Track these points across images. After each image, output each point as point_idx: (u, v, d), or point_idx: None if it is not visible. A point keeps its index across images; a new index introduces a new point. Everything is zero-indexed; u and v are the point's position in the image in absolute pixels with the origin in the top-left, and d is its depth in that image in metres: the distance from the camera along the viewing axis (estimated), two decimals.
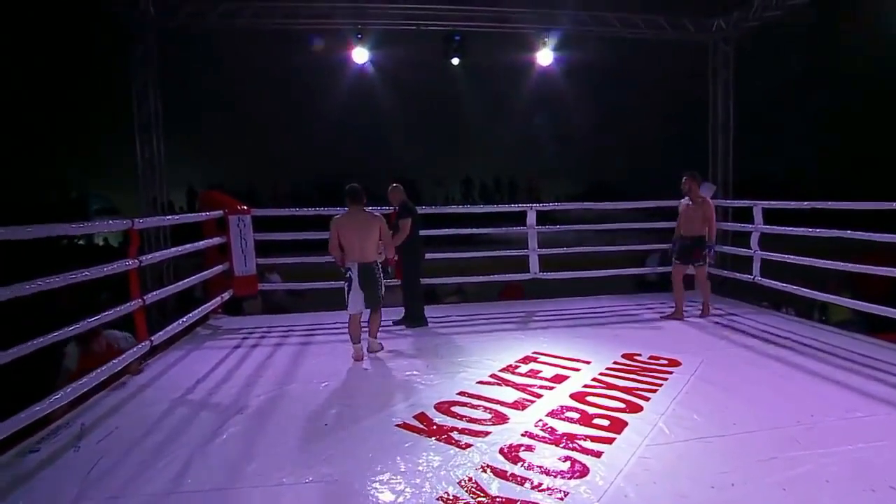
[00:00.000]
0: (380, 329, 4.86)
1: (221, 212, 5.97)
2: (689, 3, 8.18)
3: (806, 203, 5.47)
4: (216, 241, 5.91)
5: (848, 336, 5.03)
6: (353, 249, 4.50)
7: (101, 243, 13.92)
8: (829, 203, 5.28)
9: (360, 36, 7.41)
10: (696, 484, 2.57)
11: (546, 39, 7.73)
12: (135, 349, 4.20)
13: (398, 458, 2.88)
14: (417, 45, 8.37)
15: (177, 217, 6.28)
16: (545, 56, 7.94)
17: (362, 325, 4.70)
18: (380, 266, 4.63)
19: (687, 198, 5.64)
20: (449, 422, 3.30)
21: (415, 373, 4.22)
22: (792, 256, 5.72)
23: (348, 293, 4.57)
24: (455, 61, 7.90)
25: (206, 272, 5.77)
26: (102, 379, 3.70)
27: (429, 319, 5.69)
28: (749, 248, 6.08)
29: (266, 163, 15.74)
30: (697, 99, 8.86)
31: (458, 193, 17.20)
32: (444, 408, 3.50)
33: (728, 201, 7.70)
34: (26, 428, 3.04)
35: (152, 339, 4.43)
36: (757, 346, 4.82)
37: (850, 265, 5.21)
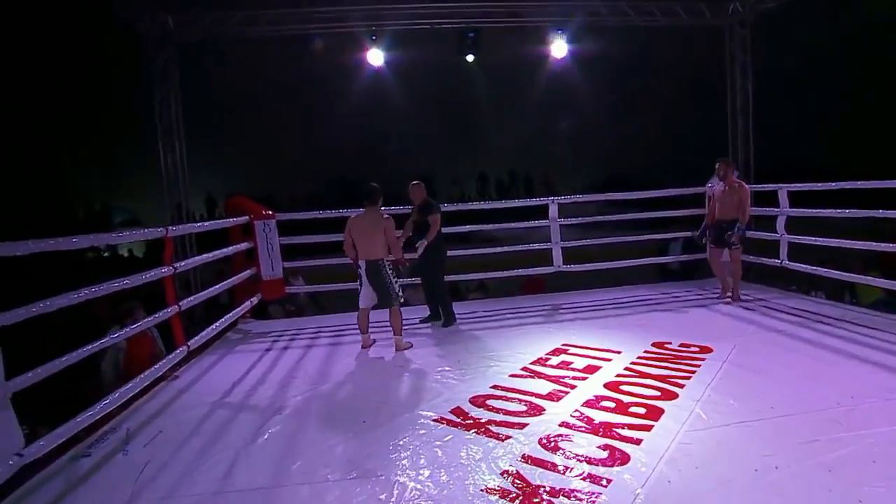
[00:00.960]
0: (405, 328, 4.94)
1: (247, 217, 6.07)
2: None
3: (834, 184, 5.40)
4: (243, 246, 6.02)
5: (881, 316, 4.95)
6: (361, 248, 4.78)
7: (125, 254, 14.22)
8: (857, 183, 5.21)
9: (374, 38, 7.47)
10: (739, 468, 2.57)
11: (559, 31, 7.71)
12: (173, 354, 4.31)
13: (439, 451, 2.93)
14: (432, 44, 8.41)
15: (207, 224, 6.38)
16: (559, 48, 7.93)
17: (386, 324, 4.93)
18: (386, 264, 4.73)
19: (720, 182, 5.68)
20: (485, 415, 3.34)
21: (446, 368, 4.26)
22: (820, 238, 5.63)
23: (359, 289, 4.93)
24: (470, 58, 7.93)
25: (234, 277, 5.87)
26: (146, 384, 3.81)
27: (455, 315, 5.72)
28: (775, 232, 6.01)
29: (284, 168, 15.94)
30: (714, 85, 8.77)
31: (474, 191, 17.24)
32: (480, 401, 3.54)
33: (752, 185, 7.60)
34: (76, 434, 3.15)
35: (189, 344, 4.54)
36: (788, 329, 4.78)
37: (879, 244, 5.13)
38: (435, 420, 3.33)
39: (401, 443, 3.06)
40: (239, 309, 5.78)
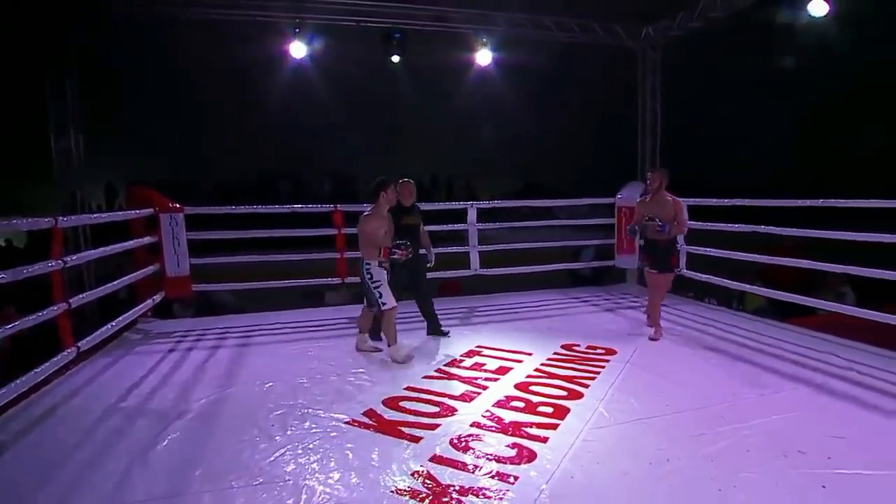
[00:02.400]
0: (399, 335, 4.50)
1: (152, 210, 5.70)
2: (623, 10, 8.58)
3: (727, 200, 5.93)
4: (147, 240, 5.64)
5: (762, 322, 5.50)
6: None
7: (2, 244, 12.86)
8: (746, 200, 5.79)
9: (297, 30, 7.26)
10: (636, 462, 2.76)
11: (485, 40, 7.88)
12: (59, 356, 3.95)
13: (350, 454, 2.91)
14: (357, 41, 8.31)
15: (104, 215, 5.92)
16: (484, 56, 8.10)
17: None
18: (367, 265, 4.38)
19: (648, 195, 4.99)
20: (398, 416, 3.35)
21: (361, 371, 4.23)
22: (712, 250, 6.17)
23: None
24: (395, 59, 7.91)
25: (136, 273, 5.49)
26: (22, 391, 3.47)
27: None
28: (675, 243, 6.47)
29: (199, 158, 15.08)
30: (629, 102, 9.32)
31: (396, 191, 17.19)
32: (393, 403, 3.55)
33: None
34: None
35: (79, 345, 4.19)
36: (685, 333, 5.17)
37: (762, 257, 5.73)
38: (347, 422, 3.30)
39: (311, 446, 3.01)
40: (139, 307, 5.41)
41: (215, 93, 14.42)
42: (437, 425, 3.21)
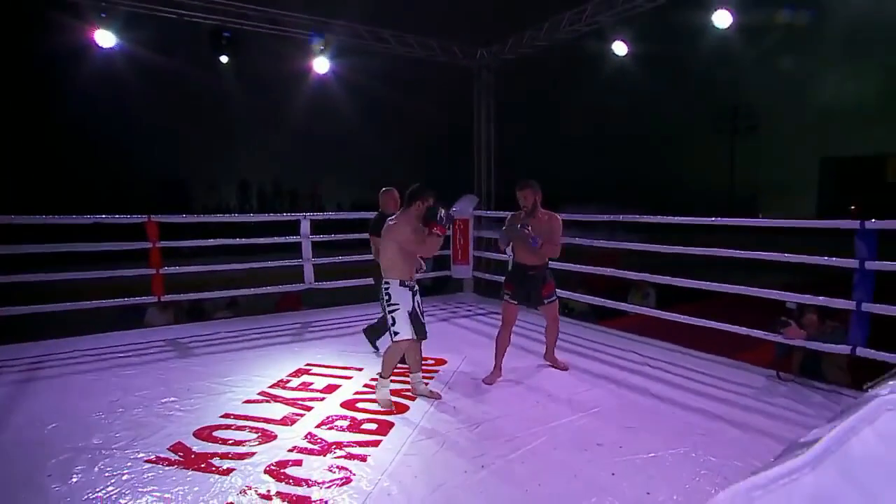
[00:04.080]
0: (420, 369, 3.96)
1: None
2: (462, 30, 9.01)
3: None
4: None
5: (583, 326, 6.07)
6: None
7: None
8: (566, 214, 6.35)
9: (104, 15, 6.45)
10: (452, 472, 2.83)
11: (321, 48, 7.73)
12: None
13: (146, 497, 2.59)
14: (181, 36, 7.66)
15: None
16: (321, 64, 7.94)
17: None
18: (385, 283, 3.72)
19: (521, 213, 4.22)
20: (210, 448, 3.08)
21: (172, 399, 3.83)
22: None
23: None
24: (224, 59, 7.41)
25: None
26: None
27: (191, 338, 5.25)
28: (505, 253, 6.89)
29: None
30: (467, 120, 9.79)
31: (234, 199, 16.16)
32: (205, 434, 3.25)
33: (489, 212, 8.65)
34: None
35: None
36: (513, 340, 5.48)
37: (582, 266, 6.32)
38: (149, 461, 2.95)
39: (98, 494, 2.63)
40: None
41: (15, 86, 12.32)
42: (253, 453, 3.01)
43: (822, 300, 4.20)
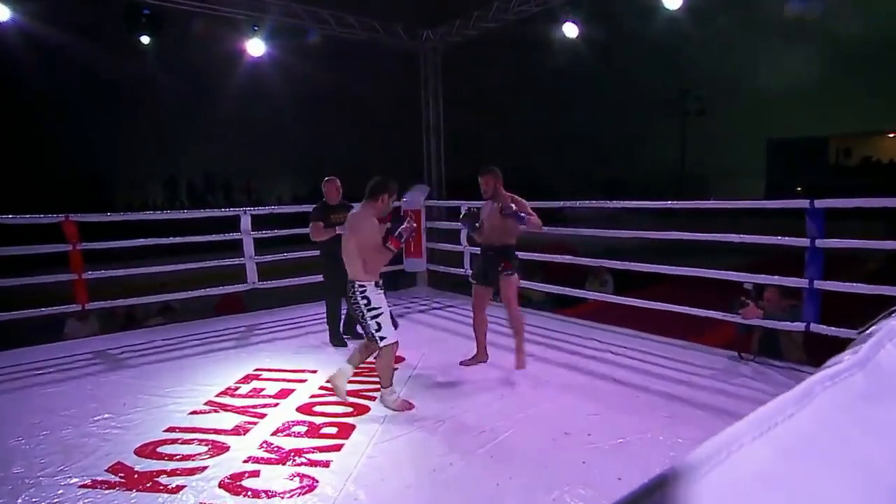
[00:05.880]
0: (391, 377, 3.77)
1: None
2: (407, 12, 8.98)
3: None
4: None
5: (542, 315, 6.19)
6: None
7: None
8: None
9: None
10: (420, 472, 2.86)
11: (255, 28, 7.52)
12: None
13: None
14: (89, 12, 7.26)
15: None
16: (256, 46, 7.73)
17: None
18: (359, 286, 3.59)
19: (490, 201, 4.37)
20: (155, 465, 2.99)
21: (107, 416, 3.67)
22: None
23: None
24: (145, 40, 7.10)
25: None
26: None
27: (122, 349, 5.09)
28: (460, 244, 6.97)
29: None
30: (415, 103, 9.77)
31: (162, 196, 15.54)
32: (148, 450, 3.15)
33: (441, 202, 8.71)
34: None
35: None
36: (468, 332, 5.56)
37: (539, 254, 6.45)
38: (84, 486, 2.82)
39: None
40: None
41: None
42: (205, 468, 2.94)
43: (775, 279, 4.48)
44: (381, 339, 3.61)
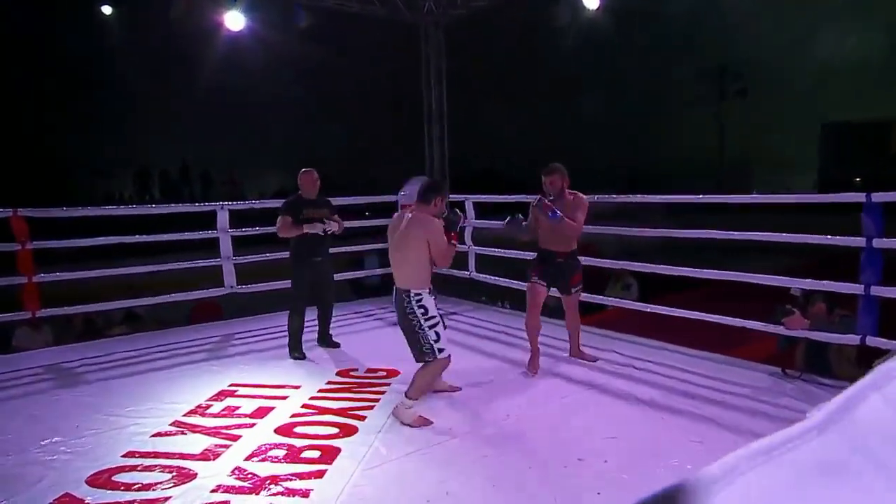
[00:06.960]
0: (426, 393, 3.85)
1: None
2: None
3: (512, 196, 6.53)
4: None
5: (556, 324, 6.07)
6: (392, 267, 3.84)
7: None
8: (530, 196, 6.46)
9: None
10: (412, 501, 2.83)
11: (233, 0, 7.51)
12: None
13: None
14: None
15: None
16: (235, 19, 7.72)
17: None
18: (415, 295, 3.65)
19: (548, 198, 4.53)
20: (110, 497, 2.97)
21: (57, 439, 3.64)
22: (499, 250, 6.77)
23: None
24: (107, 10, 7.12)
25: None
26: None
27: (79, 362, 5.16)
28: (465, 244, 6.96)
29: None
30: (414, 87, 9.74)
31: (130, 187, 15.60)
32: (103, 479, 3.13)
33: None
34: None
35: None
36: (473, 343, 5.56)
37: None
38: None
39: None
40: None
41: None
42: (166, 498, 2.92)
43: (825, 284, 4.39)
44: (440, 350, 3.67)
